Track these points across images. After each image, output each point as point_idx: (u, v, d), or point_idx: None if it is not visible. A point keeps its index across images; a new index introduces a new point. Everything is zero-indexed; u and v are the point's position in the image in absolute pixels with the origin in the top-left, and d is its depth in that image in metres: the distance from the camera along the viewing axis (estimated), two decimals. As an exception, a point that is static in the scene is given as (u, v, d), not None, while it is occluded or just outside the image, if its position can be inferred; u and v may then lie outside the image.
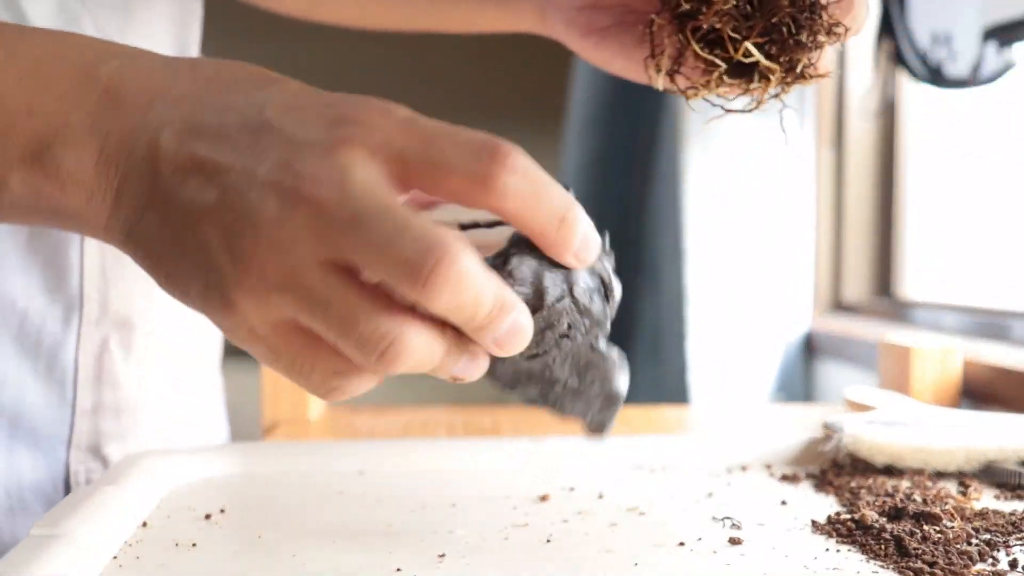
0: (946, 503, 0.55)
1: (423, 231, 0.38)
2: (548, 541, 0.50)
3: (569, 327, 0.44)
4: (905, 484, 0.59)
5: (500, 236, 0.44)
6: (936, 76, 1.17)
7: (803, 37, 0.49)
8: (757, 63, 0.49)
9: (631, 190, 1.64)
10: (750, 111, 0.52)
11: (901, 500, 0.55)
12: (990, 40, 1.12)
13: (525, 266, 0.43)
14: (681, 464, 0.65)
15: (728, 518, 0.53)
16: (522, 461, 0.65)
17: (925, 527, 0.50)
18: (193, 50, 0.71)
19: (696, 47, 0.49)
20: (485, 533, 0.51)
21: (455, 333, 0.41)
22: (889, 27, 1.19)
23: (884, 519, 0.51)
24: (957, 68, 1.16)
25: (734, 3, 0.48)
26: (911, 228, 1.56)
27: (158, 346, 0.68)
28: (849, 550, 0.48)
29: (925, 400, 0.94)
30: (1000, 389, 0.94)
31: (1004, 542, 0.49)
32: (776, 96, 0.51)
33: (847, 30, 0.50)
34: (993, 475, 0.61)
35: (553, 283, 0.43)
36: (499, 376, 0.45)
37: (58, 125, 0.43)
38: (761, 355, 1.55)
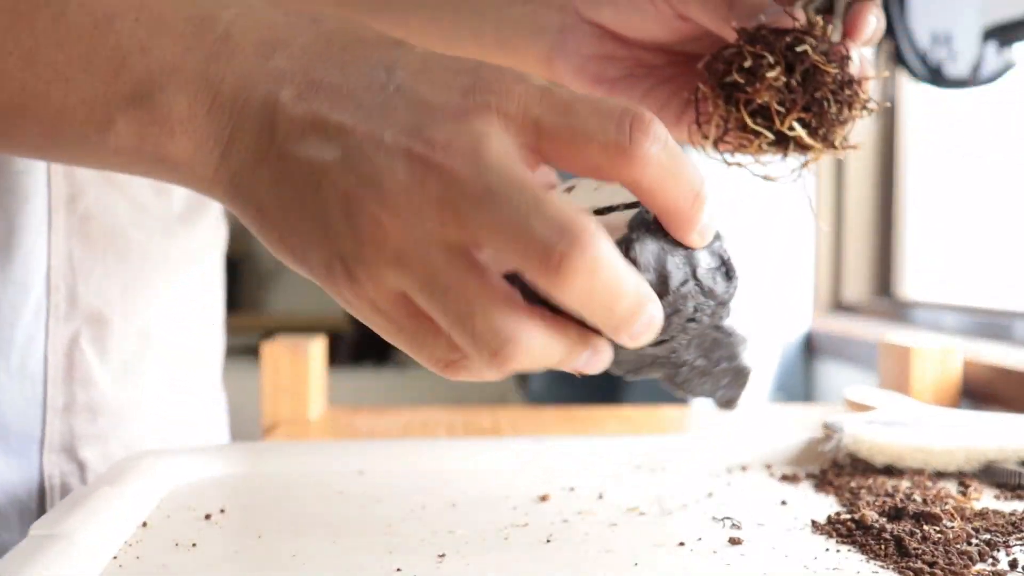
0: (946, 503, 0.55)
1: (558, 212, 0.36)
2: (548, 541, 0.50)
3: (695, 310, 0.43)
4: (905, 484, 0.59)
5: (619, 221, 0.42)
6: (936, 76, 1.17)
7: (840, 112, 0.51)
8: (796, 135, 0.51)
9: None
10: (788, 182, 0.54)
11: (901, 500, 0.55)
12: (990, 40, 1.11)
13: (648, 251, 0.41)
14: (681, 464, 0.65)
15: (728, 518, 0.53)
16: (522, 461, 0.65)
17: (925, 527, 0.49)
18: None
19: (748, 119, 0.51)
20: (485, 533, 0.51)
21: (578, 328, 0.39)
22: (889, 27, 1.19)
23: (884, 519, 0.51)
24: (957, 68, 1.16)
25: (784, 79, 0.50)
26: (911, 228, 1.56)
27: (152, 346, 0.68)
28: (849, 550, 0.48)
29: (925, 400, 0.94)
30: (1000, 389, 0.94)
31: (1004, 542, 0.49)
32: (809, 163, 0.53)
33: (877, 107, 0.52)
34: (993, 475, 0.61)
35: (676, 267, 0.42)
36: (622, 363, 0.44)
37: (172, 66, 0.40)
38: (761, 355, 1.55)
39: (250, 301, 3.99)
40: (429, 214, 0.37)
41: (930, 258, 1.55)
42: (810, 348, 1.57)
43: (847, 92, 0.51)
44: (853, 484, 0.59)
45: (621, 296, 0.37)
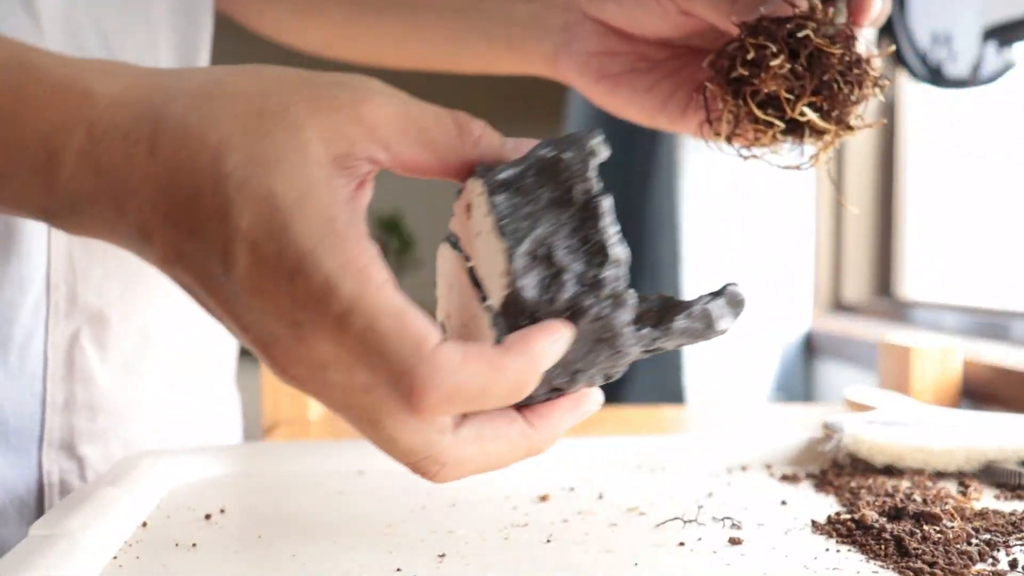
0: (946, 503, 0.55)
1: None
2: (548, 541, 0.50)
3: (593, 309, 0.42)
4: (905, 484, 0.59)
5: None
6: (936, 76, 1.17)
7: (852, 92, 0.51)
8: (809, 120, 0.51)
9: (630, 191, 1.64)
10: (807, 168, 0.54)
11: (901, 500, 0.55)
12: (990, 40, 1.11)
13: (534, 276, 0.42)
14: (681, 464, 0.65)
15: (728, 518, 0.53)
16: (522, 461, 0.65)
17: (925, 527, 0.49)
18: (203, 56, 0.71)
19: (756, 110, 0.51)
20: (485, 533, 0.51)
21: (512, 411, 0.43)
22: (889, 27, 1.19)
23: (884, 519, 0.51)
24: (957, 68, 1.16)
25: (788, 66, 0.50)
26: (911, 228, 1.56)
27: (152, 346, 0.68)
28: (849, 550, 0.48)
29: (925, 400, 0.94)
30: (1000, 389, 0.94)
31: (1004, 542, 0.49)
32: (826, 147, 0.53)
33: (888, 83, 0.52)
34: (993, 475, 0.61)
35: (559, 287, 0.41)
36: (555, 387, 0.44)
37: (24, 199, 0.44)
38: (761, 355, 1.55)
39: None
40: (311, 376, 0.41)
41: (930, 258, 1.55)
42: (810, 348, 1.57)
43: (856, 71, 0.51)
44: (853, 484, 0.59)
45: (492, 394, 0.40)
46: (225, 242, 0.40)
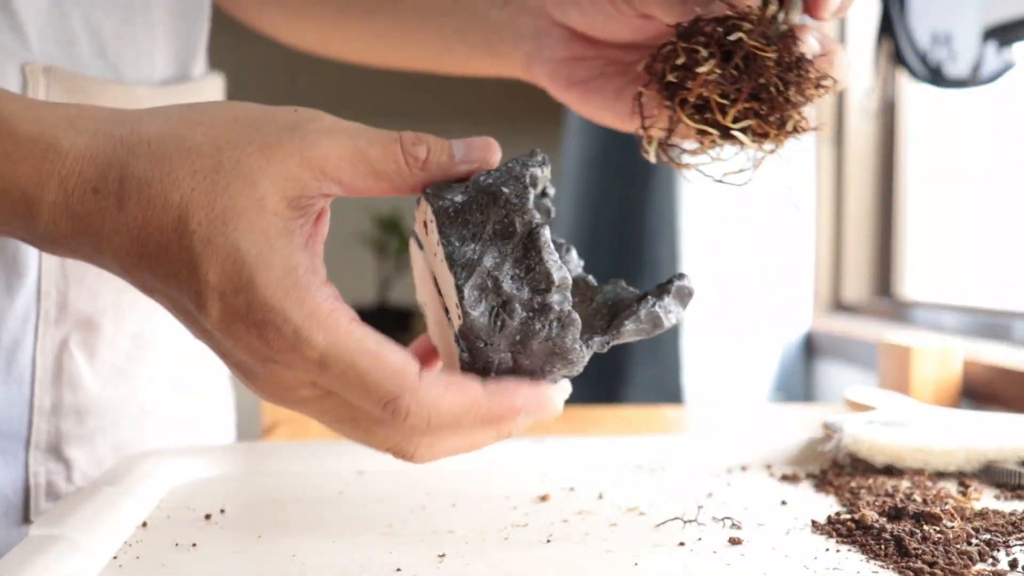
0: (946, 503, 0.55)
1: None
2: (548, 541, 0.50)
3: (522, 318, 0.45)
4: (905, 484, 0.59)
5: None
6: (936, 76, 1.17)
7: (792, 94, 0.48)
8: (750, 125, 0.49)
9: (630, 191, 1.64)
10: (744, 183, 0.51)
11: (901, 500, 0.55)
12: (990, 40, 1.12)
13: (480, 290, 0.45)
14: (681, 464, 0.65)
15: (728, 518, 0.53)
16: (522, 461, 0.65)
17: (925, 527, 0.49)
18: (199, 60, 0.71)
19: (685, 118, 0.49)
20: (485, 533, 0.51)
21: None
22: (889, 27, 1.19)
23: (884, 519, 0.51)
24: (957, 68, 1.16)
25: (719, 71, 0.48)
26: (911, 228, 1.56)
27: (149, 350, 0.68)
28: (849, 550, 0.48)
29: (925, 400, 0.94)
30: (1000, 389, 0.94)
31: (1004, 542, 0.49)
32: (772, 152, 0.50)
33: (834, 82, 0.50)
34: (993, 475, 0.61)
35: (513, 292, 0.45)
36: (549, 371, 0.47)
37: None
38: (761, 355, 1.55)
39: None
40: (291, 387, 0.46)
41: (930, 258, 1.55)
42: (810, 348, 1.57)
43: (795, 73, 0.48)
44: (853, 484, 0.59)
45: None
46: (198, 291, 0.43)
